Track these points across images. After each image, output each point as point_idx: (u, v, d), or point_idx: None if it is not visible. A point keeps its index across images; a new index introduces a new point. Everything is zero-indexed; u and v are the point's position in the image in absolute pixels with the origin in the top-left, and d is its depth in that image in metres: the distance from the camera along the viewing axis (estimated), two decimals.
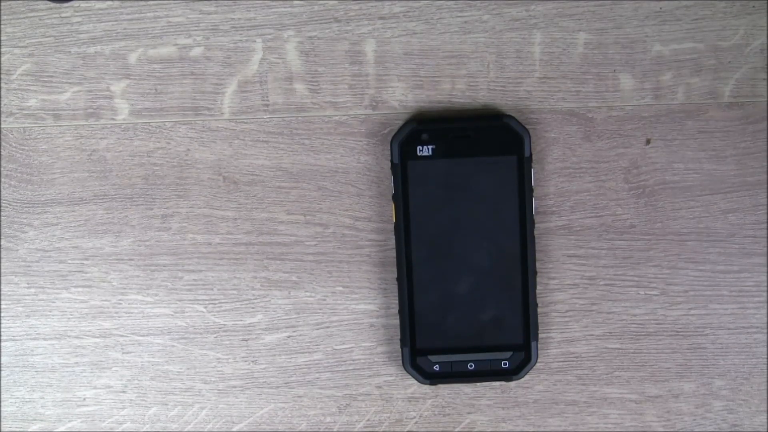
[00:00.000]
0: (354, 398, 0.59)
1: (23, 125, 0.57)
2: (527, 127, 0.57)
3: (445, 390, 0.59)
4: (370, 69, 0.57)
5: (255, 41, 0.57)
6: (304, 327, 0.59)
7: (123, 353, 0.59)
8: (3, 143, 0.58)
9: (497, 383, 0.59)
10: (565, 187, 0.58)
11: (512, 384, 0.59)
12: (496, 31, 0.57)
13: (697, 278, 0.58)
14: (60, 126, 0.57)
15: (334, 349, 0.59)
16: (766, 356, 0.59)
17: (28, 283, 0.58)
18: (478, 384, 0.59)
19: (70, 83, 0.57)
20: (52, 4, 0.56)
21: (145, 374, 0.59)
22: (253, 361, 0.59)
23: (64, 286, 0.58)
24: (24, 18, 0.57)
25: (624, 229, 0.58)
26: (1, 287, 0.58)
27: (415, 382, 0.59)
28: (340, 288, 0.58)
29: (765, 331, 0.59)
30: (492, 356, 0.56)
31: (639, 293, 0.58)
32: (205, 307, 0.58)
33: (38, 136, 0.57)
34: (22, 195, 0.58)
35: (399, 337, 0.58)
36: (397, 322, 0.58)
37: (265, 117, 0.57)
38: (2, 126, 0.57)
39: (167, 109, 0.57)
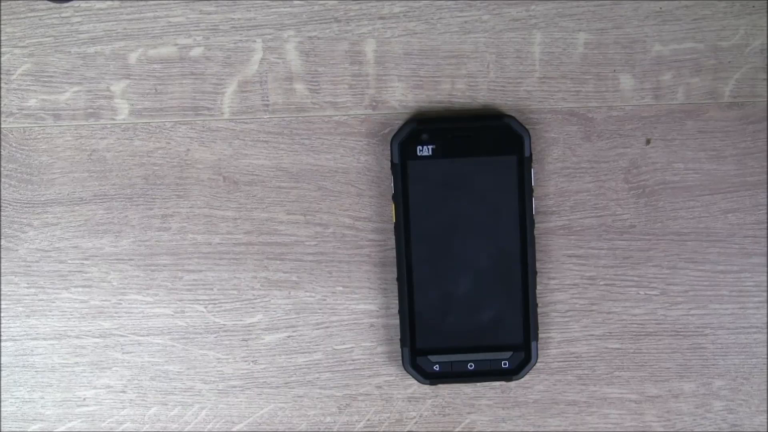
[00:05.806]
0: (354, 398, 0.59)
1: (23, 125, 0.57)
2: (527, 127, 0.57)
3: (445, 390, 0.59)
4: (370, 69, 0.57)
5: (255, 41, 0.57)
6: (304, 327, 0.59)
7: (123, 353, 0.59)
8: (3, 143, 0.58)
9: (497, 383, 0.59)
10: (565, 187, 0.58)
11: (512, 384, 0.59)
12: (496, 31, 0.57)
13: (697, 278, 0.58)
14: (60, 126, 0.57)
15: (334, 349, 0.59)
16: (766, 356, 0.59)
17: (28, 283, 0.58)
18: (478, 384, 0.59)
19: (70, 83, 0.57)
20: (52, 4, 0.56)
21: (145, 374, 0.59)
22: (253, 361, 0.59)
23: (64, 286, 0.58)
24: (24, 18, 0.57)
25: (624, 229, 0.58)
26: (1, 287, 0.58)
27: (415, 382, 0.59)
28: (340, 288, 0.58)
29: (765, 331, 0.59)
30: (492, 356, 0.56)
31: (639, 293, 0.58)
32: (205, 307, 0.58)
33: (38, 136, 0.57)
34: (22, 195, 0.58)
35: (399, 337, 0.58)
36: (397, 322, 0.58)
37: (265, 117, 0.57)
38: (2, 126, 0.57)
39: (167, 109, 0.57)
